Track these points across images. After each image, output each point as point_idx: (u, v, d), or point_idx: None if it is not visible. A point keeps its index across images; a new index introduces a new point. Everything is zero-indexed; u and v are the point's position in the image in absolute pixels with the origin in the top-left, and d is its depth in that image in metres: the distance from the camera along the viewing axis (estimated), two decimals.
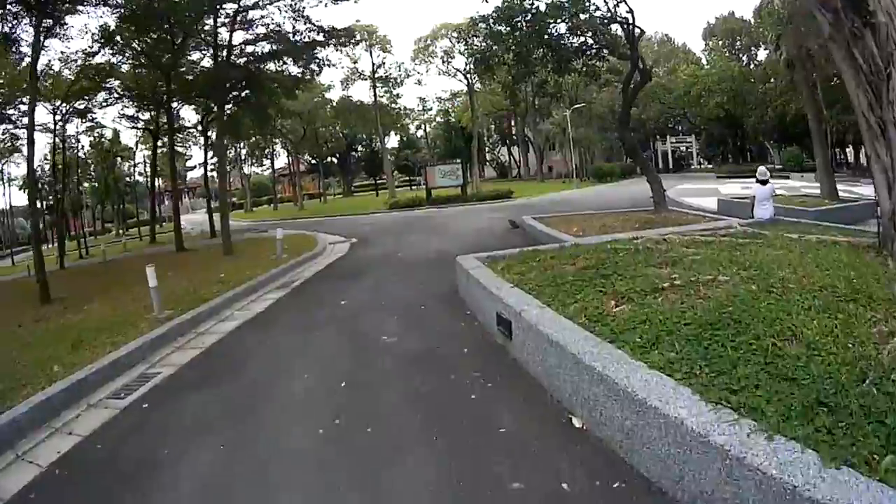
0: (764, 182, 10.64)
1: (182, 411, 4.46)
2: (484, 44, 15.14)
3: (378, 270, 10.10)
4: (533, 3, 14.36)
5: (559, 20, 14.24)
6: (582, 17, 14.17)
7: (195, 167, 59.40)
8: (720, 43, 59.28)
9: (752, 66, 55.35)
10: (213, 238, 22.54)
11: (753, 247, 6.05)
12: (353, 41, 21.21)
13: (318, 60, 19.47)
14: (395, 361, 5.00)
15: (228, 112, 24.21)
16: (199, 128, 27.69)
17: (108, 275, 15.01)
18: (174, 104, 23.89)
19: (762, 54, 54.17)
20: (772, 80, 45.70)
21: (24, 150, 25.65)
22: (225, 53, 16.69)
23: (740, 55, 58.34)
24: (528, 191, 34.13)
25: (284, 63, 20.17)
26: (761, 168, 11.25)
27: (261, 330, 6.92)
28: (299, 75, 21.40)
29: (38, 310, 10.50)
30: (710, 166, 56.92)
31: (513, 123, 67.93)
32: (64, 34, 16.14)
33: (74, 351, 6.29)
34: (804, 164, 38.41)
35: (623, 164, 53.74)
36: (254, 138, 45.46)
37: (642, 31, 14.16)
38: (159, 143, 23.99)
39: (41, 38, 15.92)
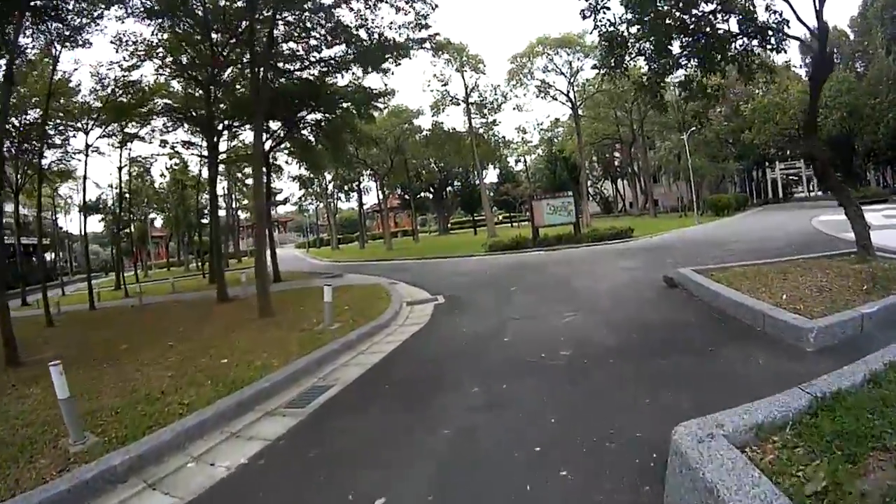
0: None
1: None
2: (612, 26, 11.02)
3: (468, 384, 5.52)
4: None
5: None
6: None
7: (285, 201, 59.35)
8: None
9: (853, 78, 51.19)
10: (275, 283, 19.49)
11: None
12: (435, 46, 18.09)
13: (389, 57, 16.35)
14: None
15: (299, 135, 21.86)
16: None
17: (121, 328, 12.90)
18: (233, 127, 22.12)
19: (859, 67, 50.74)
20: (876, 96, 42.12)
21: (79, 172, 25.15)
22: (262, 60, 14.13)
23: (840, 68, 53.22)
24: (646, 227, 29.18)
25: (354, 75, 17.67)
26: None
27: None
28: (371, 90, 18.85)
29: None
30: (820, 194, 50.05)
31: (615, 154, 63.66)
32: (83, 39, 14.64)
33: None
34: None
35: (735, 195, 49.86)
36: (338, 170, 43.82)
37: None
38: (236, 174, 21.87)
39: (55, 46, 14.62)
